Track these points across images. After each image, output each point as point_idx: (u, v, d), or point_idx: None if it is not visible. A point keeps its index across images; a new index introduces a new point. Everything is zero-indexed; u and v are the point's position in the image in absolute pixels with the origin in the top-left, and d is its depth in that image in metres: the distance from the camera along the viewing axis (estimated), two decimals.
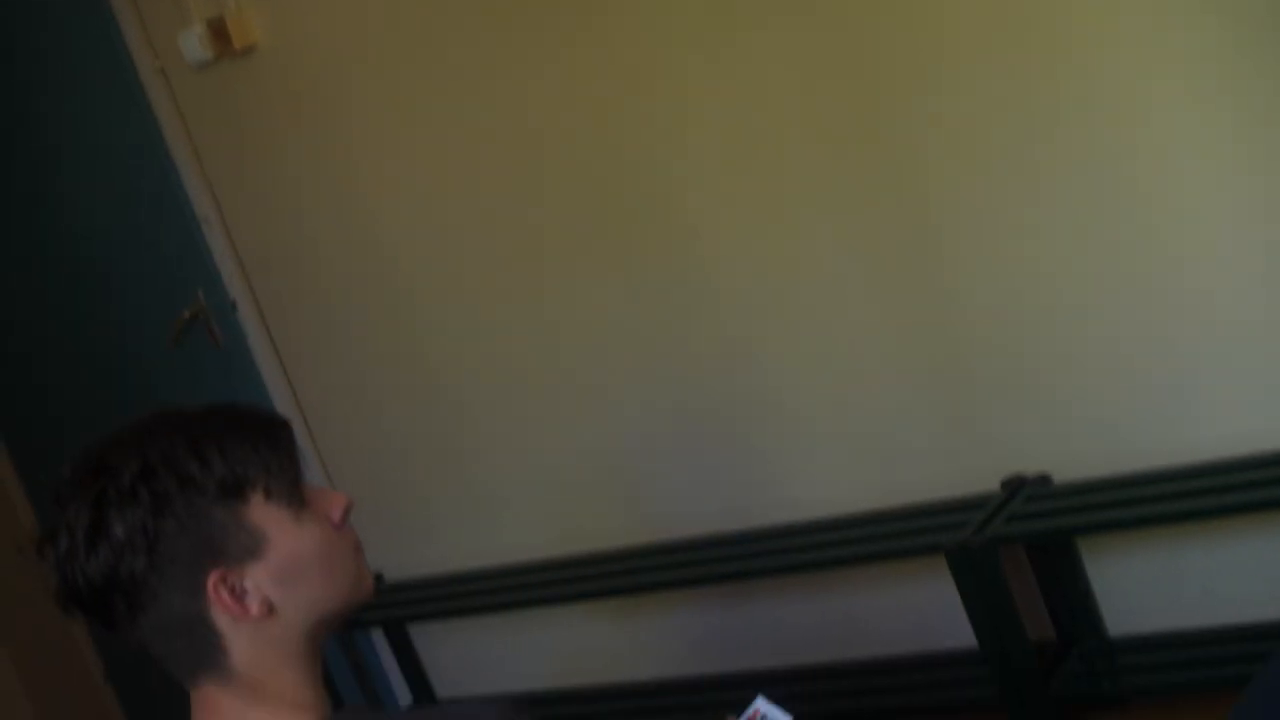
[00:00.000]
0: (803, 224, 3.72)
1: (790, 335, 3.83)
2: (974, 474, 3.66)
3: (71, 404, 4.90)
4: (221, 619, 1.72)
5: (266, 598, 1.73)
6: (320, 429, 4.58)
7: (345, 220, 4.40)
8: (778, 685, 3.88)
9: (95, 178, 4.62)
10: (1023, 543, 3.57)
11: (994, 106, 3.42)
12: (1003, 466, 3.63)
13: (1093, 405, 3.52)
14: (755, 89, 3.68)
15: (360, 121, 4.27)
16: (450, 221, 4.24)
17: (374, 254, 4.38)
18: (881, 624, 3.93)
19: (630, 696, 4.38)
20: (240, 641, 1.74)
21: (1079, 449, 3.56)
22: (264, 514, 1.73)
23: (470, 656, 4.72)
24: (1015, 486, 3.58)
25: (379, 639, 4.79)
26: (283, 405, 4.53)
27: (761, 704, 2.35)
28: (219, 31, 4.25)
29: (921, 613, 3.85)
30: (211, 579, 1.70)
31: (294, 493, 1.76)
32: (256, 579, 1.73)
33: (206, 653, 1.74)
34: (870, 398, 3.78)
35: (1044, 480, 3.59)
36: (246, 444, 1.73)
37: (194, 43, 4.26)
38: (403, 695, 4.80)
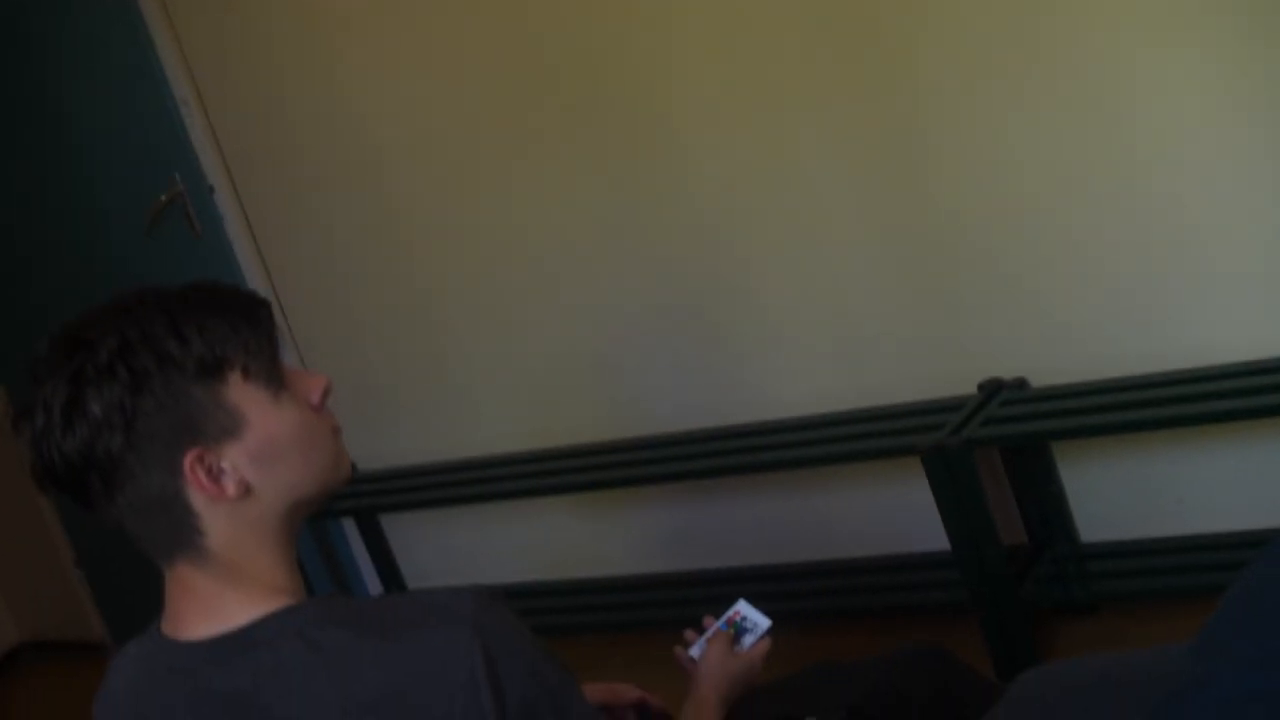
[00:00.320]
0: (786, 123, 3.70)
1: (771, 234, 3.81)
2: (951, 377, 3.66)
3: (45, 288, 4.86)
4: (198, 499, 1.71)
5: (243, 478, 1.71)
6: (296, 317, 4.56)
7: (326, 109, 4.36)
8: (749, 583, 3.93)
9: (72, 58, 4.56)
10: (998, 446, 3.57)
11: (982, 12, 3.39)
12: (980, 370, 3.64)
13: (1071, 311, 3.52)
14: None
15: (344, 9, 4.22)
16: (431, 114, 4.21)
17: (354, 143, 4.35)
18: (855, 525, 3.94)
19: (601, 591, 4.40)
20: (216, 522, 1.72)
21: (1056, 354, 3.57)
22: (242, 394, 1.71)
23: (441, 548, 4.73)
24: (992, 390, 3.58)
25: (350, 528, 4.80)
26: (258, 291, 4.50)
27: (743, 606, 2.38)
28: None
29: (895, 515, 3.86)
30: (188, 458, 1.68)
31: (273, 373, 1.74)
32: (234, 459, 1.71)
33: (182, 533, 1.72)
34: (849, 298, 3.77)
35: (1021, 384, 3.59)
36: (226, 323, 1.71)
37: None
38: (372, 585, 4.81)
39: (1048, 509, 3.66)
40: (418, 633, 1.69)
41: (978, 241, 3.58)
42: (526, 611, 4.36)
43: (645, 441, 4.12)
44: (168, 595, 1.79)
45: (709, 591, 4.09)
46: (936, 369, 3.70)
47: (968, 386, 3.63)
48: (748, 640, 2.37)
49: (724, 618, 2.42)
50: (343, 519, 4.75)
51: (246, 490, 1.72)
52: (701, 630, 2.40)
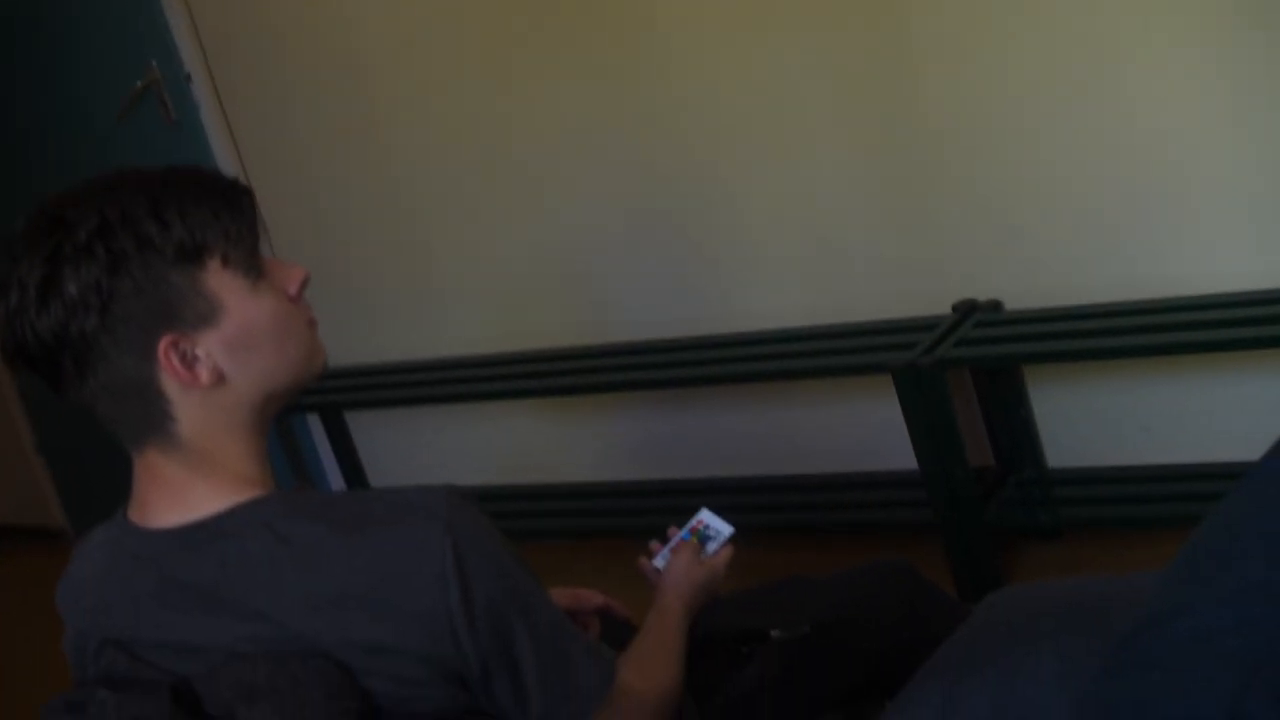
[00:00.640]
0: (774, 37, 3.67)
1: (753, 147, 3.79)
2: (926, 297, 3.66)
3: (16, 171, 4.81)
4: (171, 385, 1.69)
5: (217, 366, 1.70)
6: (268, 208, 4.47)
7: (309, 2, 4.31)
8: (715, 495, 3.91)
9: None
10: (970, 367, 3.57)
11: None
12: (955, 291, 3.63)
13: (1049, 236, 3.52)
14: None
15: None
16: (415, 12, 4.16)
17: (336, 39, 4.31)
18: (824, 441, 3.95)
19: (566, 497, 4.40)
20: (188, 409, 1.71)
21: (1032, 278, 3.56)
22: (220, 281, 1.69)
23: (406, 447, 4.72)
24: (966, 311, 3.58)
25: (314, 423, 4.78)
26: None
27: (705, 515, 2.37)
28: None
29: (864, 432, 3.87)
30: (163, 344, 1.66)
31: (252, 262, 1.72)
32: (208, 346, 1.69)
33: (154, 418, 1.71)
34: (830, 214, 3.76)
35: (995, 307, 3.59)
36: (207, 209, 1.69)
37: None
38: (335, 481, 4.80)
39: (1016, 433, 3.66)
40: (388, 529, 1.68)
41: (959, 162, 3.56)
42: (490, 515, 4.35)
43: (616, 348, 4.11)
44: (136, 482, 1.78)
45: (675, 501, 4.08)
46: (912, 288, 3.69)
47: (942, 307, 3.62)
48: (711, 548, 2.37)
49: (687, 527, 2.41)
50: (307, 413, 4.73)
51: (220, 378, 1.70)
52: (665, 540, 2.39)
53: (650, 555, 2.37)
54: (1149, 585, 1.82)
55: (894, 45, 3.54)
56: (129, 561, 1.77)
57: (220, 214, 1.69)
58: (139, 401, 1.70)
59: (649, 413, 4.24)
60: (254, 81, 4.49)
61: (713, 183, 3.88)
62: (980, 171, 3.54)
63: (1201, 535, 1.42)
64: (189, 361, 1.68)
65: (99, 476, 5.01)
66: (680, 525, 2.45)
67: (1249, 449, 3.34)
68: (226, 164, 4.51)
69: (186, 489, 1.73)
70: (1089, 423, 3.64)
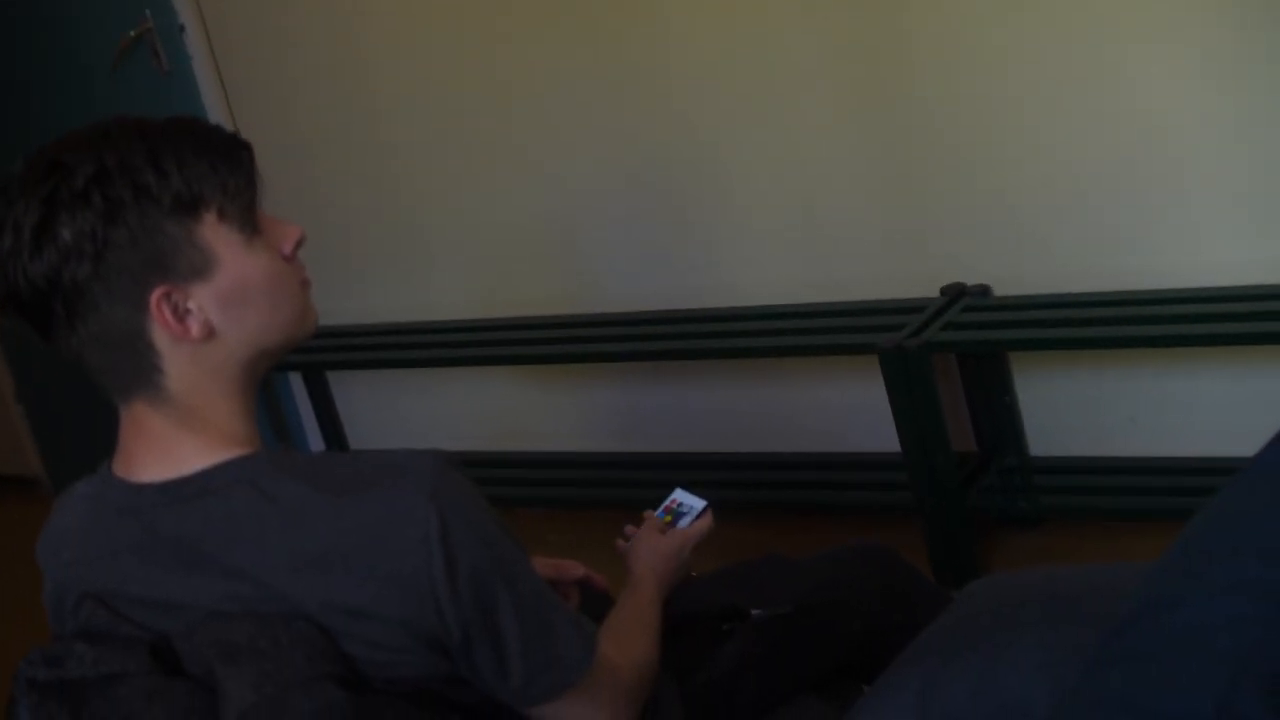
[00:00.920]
0: (771, 11, 3.65)
1: (747, 121, 3.78)
2: (915, 279, 3.65)
3: (5, 116, 4.78)
4: (161, 337, 1.68)
5: (208, 320, 1.68)
6: (259, 164, 4.49)
7: None
8: (695, 469, 3.93)
9: None
10: (956, 351, 3.56)
11: None
12: (944, 274, 3.63)
13: (1040, 223, 3.51)
14: None
15: None
16: None
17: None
18: (807, 419, 3.94)
19: (545, 466, 4.39)
20: (177, 363, 1.69)
21: (1022, 264, 3.56)
22: (216, 235, 1.68)
23: (386, 409, 4.71)
24: (954, 294, 3.58)
25: (296, 382, 4.77)
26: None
27: (679, 494, 2.38)
28: None
29: (847, 412, 3.86)
30: (155, 295, 1.65)
31: (248, 217, 1.71)
32: (200, 300, 1.68)
33: (142, 370, 1.69)
34: (821, 191, 3.75)
35: (984, 291, 3.59)
36: (206, 162, 1.67)
37: None
38: (314, 441, 4.79)
39: (1000, 419, 3.66)
40: (374, 491, 1.67)
41: (953, 145, 3.55)
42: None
43: (601, 319, 4.10)
44: (122, 434, 1.77)
45: (654, 474, 4.08)
46: (901, 269, 3.68)
47: (931, 289, 3.61)
48: (684, 523, 2.37)
49: (661, 507, 2.42)
50: (289, 372, 4.72)
51: (210, 333, 1.69)
52: (640, 524, 2.40)
53: (627, 539, 2.37)
54: (1133, 577, 1.82)
55: (890, 25, 3.53)
56: (112, 515, 1.76)
57: (219, 167, 1.68)
58: (128, 353, 1.68)
59: (632, 384, 4.23)
60: (248, 35, 4.47)
61: (704, 156, 3.86)
62: (973, 155, 3.54)
63: (1195, 529, 1.42)
64: (180, 314, 1.67)
65: (77, 427, 5.00)
66: (655, 507, 2.45)
67: (1234, 444, 3.36)
68: (217, 117, 4.49)
69: (173, 444, 1.72)
70: (1073, 412, 3.64)
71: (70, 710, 1.68)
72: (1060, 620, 1.81)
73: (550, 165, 4.12)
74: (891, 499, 3.68)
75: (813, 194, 3.75)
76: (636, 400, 4.25)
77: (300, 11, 4.34)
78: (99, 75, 4.52)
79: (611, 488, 4.17)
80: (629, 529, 2.39)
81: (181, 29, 4.43)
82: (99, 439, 1.79)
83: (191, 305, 1.67)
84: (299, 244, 1.79)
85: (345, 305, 4.52)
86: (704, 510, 2.38)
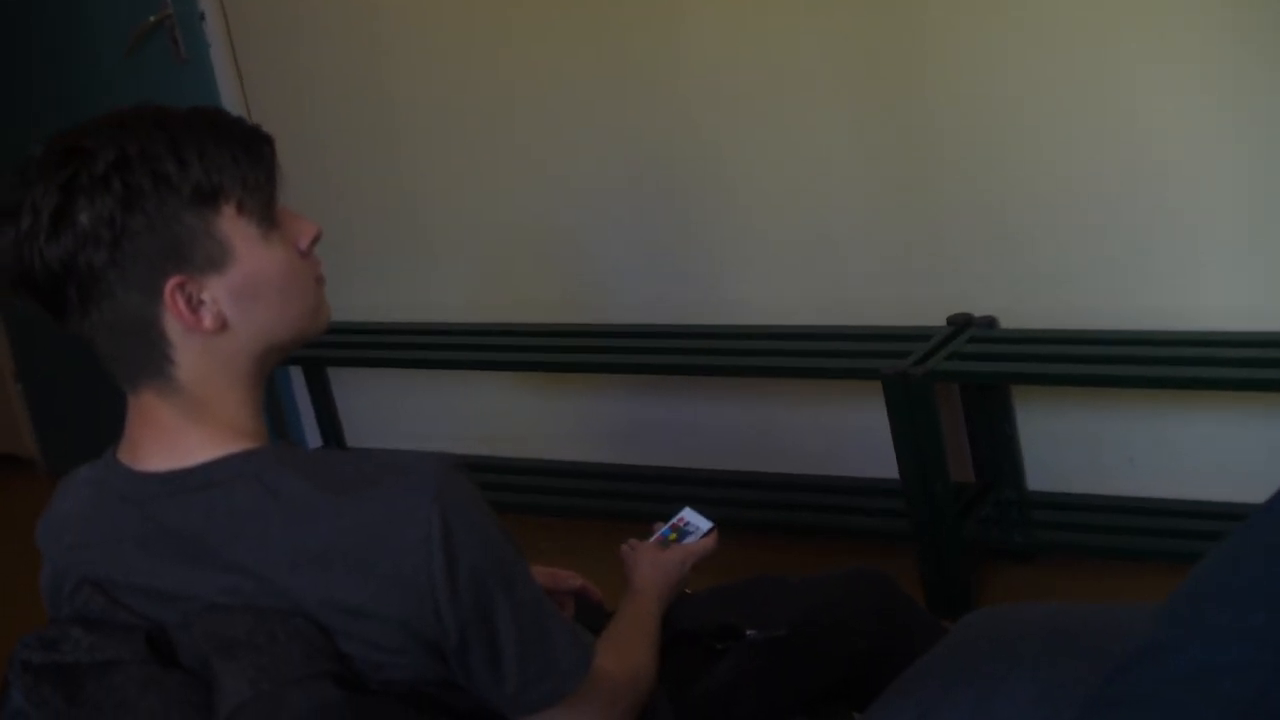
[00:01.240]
0: (787, 30, 3.66)
1: (760, 138, 3.78)
2: (922, 307, 3.65)
3: (22, 100, 4.80)
4: (173, 327, 1.67)
5: (222, 312, 1.68)
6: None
7: None
8: (692, 485, 3.93)
9: None
10: (960, 381, 3.56)
11: None
12: (952, 304, 3.63)
13: (1050, 258, 3.52)
14: None
15: None
16: None
17: None
18: (807, 442, 3.94)
19: (540, 474, 4.39)
20: (189, 354, 1.69)
21: (1029, 298, 3.56)
22: (234, 227, 1.67)
23: (385, 408, 4.71)
24: (961, 325, 3.58)
25: (296, 377, 4.76)
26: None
27: (687, 513, 2.39)
28: None
29: (847, 437, 3.86)
30: (170, 284, 1.64)
31: (266, 211, 1.71)
32: (215, 292, 1.67)
33: (153, 360, 1.69)
34: (832, 214, 3.75)
35: (990, 323, 3.58)
36: (227, 153, 1.67)
37: None
38: (312, 436, 4.78)
39: (999, 451, 3.66)
40: (377, 491, 1.67)
41: (966, 176, 3.55)
42: None
43: (605, 329, 4.10)
44: (129, 422, 1.76)
45: (650, 488, 4.08)
46: (908, 297, 3.69)
47: (938, 318, 3.61)
48: (687, 543, 2.37)
49: (669, 524, 2.42)
50: (290, 366, 4.71)
51: (223, 325, 1.69)
52: (648, 536, 2.40)
53: (631, 548, 2.37)
54: (1134, 617, 1.82)
55: (907, 54, 3.54)
56: (115, 502, 1.75)
57: (240, 160, 1.68)
58: (140, 341, 1.68)
59: (632, 396, 4.23)
60: (266, 26, 4.48)
61: (716, 171, 3.86)
62: (986, 187, 3.54)
63: (1202, 573, 1.41)
64: (194, 305, 1.66)
65: (76, 411, 5.01)
66: (658, 517, 2.46)
67: (1232, 489, 3.38)
68: (232, 107, 4.49)
69: (179, 434, 1.71)
70: (1073, 448, 3.63)
71: (64, 694, 1.67)
72: (1058, 654, 1.81)
73: (560, 173, 4.12)
74: (887, 525, 3.68)
75: (824, 217, 3.75)
76: (636, 412, 4.25)
77: (319, 5, 4.34)
78: (114, 60, 4.51)
79: (607, 499, 4.17)
80: (632, 541, 2.38)
81: (201, 17, 4.43)
82: (97, 423, 1.79)
83: (205, 296, 1.67)
84: (315, 240, 1.79)
85: (349, 301, 4.51)
86: (709, 531, 2.38)
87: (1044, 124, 3.43)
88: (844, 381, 3.69)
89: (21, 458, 5.38)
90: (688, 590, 2.38)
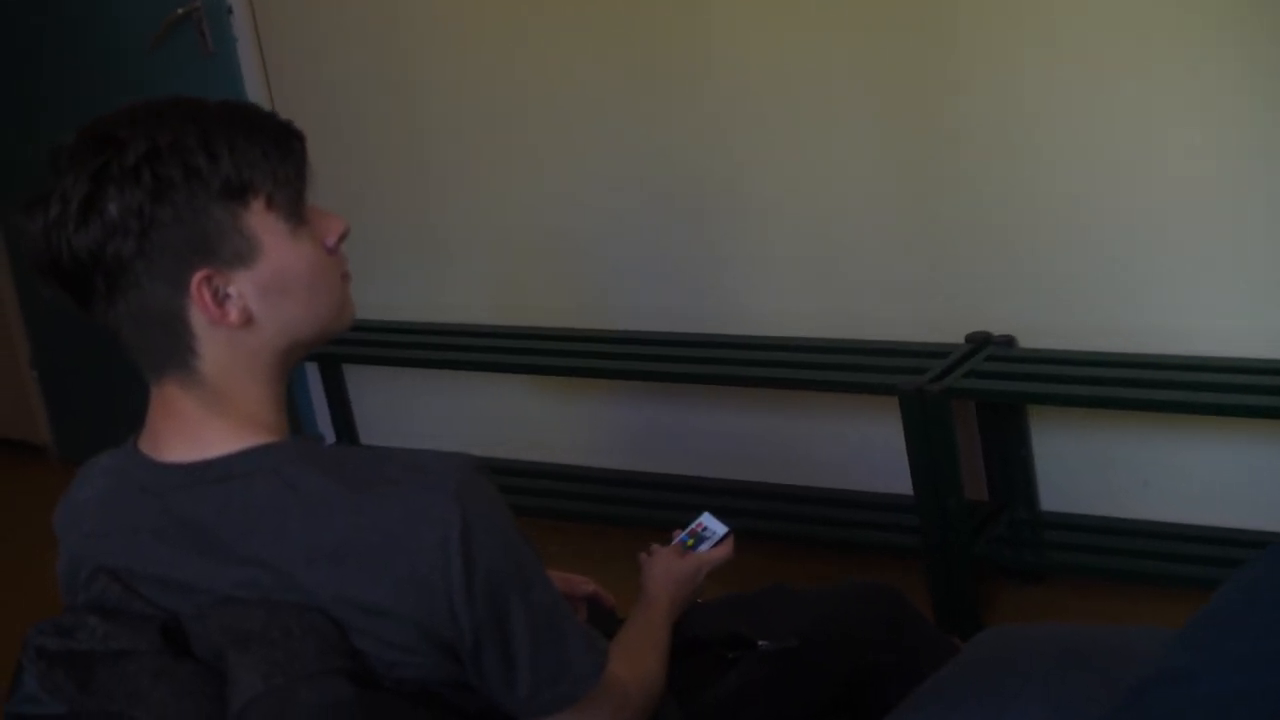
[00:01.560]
0: (814, 43, 3.65)
1: (780, 149, 3.77)
2: (941, 324, 3.65)
3: (47, 91, 4.81)
4: (198, 320, 1.68)
5: (247, 307, 1.69)
6: None
7: None
8: (702, 494, 3.93)
9: None
10: (976, 399, 3.55)
11: None
12: (970, 321, 3.62)
13: (1070, 278, 3.50)
14: None
15: None
16: None
17: None
18: (820, 454, 3.93)
19: (551, 477, 4.38)
20: (213, 347, 1.70)
21: (1048, 318, 3.55)
22: (262, 222, 1.68)
23: (399, 407, 4.71)
24: (979, 343, 3.57)
25: (312, 373, 4.77)
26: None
27: (706, 518, 2.39)
28: None
29: (861, 451, 3.85)
30: (197, 277, 1.65)
31: (295, 207, 1.71)
32: (241, 286, 1.68)
33: (177, 351, 1.70)
34: (851, 228, 3.74)
35: (1009, 342, 3.58)
36: (258, 148, 1.67)
37: None
38: (326, 434, 4.78)
39: (1014, 470, 3.65)
40: (397, 489, 1.67)
41: (988, 195, 3.55)
42: None
43: (621, 335, 4.09)
44: (151, 413, 1.77)
45: (662, 495, 4.08)
46: (927, 313, 3.68)
47: (955, 336, 3.60)
48: (703, 549, 2.38)
49: (687, 529, 2.42)
50: (306, 363, 4.72)
51: (248, 319, 1.69)
52: (668, 542, 2.40)
53: (650, 553, 2.37)
54: (1146, 639, 1.82)
55: (934, 74, 3.53)
56: (133, 492, 1.76)
57: (270, 155, 1.68)
58: (165, 332, 1.68)
59: (646, 404, 4.23)
60: (293, 23, 4.48)
61: (735, 180, 3.86)
62: (1008, 207, 3.53)
63: (1221, 600, 1.42)
64: (220, 299, 1.67)
65: (90, 398, 5.03)
66: (675, 526, 2.46)
67: (1246, 516, 3.38)
68: (257, 102, 4.46)
69: (201, 426, 1.72)
70: (1088, 470, 3.63)
71: (76, 681, 1.68)
72: (1070, 676, 1.81)
73: (581, 179, 4.12)
74: (897, 541, 3.67)
75: (844, 230, 3.75)
76: (650, 420, 4.24)
77: (345, 10, 4.35)
78: (141, 52, 4.52)
79: (618, 505, 4.16)
80: (654, 547, 2.39)
81: (229, 11, 4.43)
82: (111, 411, 1.80)
83: (232, 290, 1.67)
84: (343, 237, 1.80)
85: (367, 299, 4.49)
86: (725, 537, 2.39)
87: (1067, 146, 3.42)
88: (860, 396, 3.69)
89: (35, 444, 5.38)
90: (698, 600, 2.38)
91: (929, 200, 3.63)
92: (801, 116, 3.72)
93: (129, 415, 1.90)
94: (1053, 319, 3.54)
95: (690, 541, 2.39)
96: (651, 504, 4.06)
